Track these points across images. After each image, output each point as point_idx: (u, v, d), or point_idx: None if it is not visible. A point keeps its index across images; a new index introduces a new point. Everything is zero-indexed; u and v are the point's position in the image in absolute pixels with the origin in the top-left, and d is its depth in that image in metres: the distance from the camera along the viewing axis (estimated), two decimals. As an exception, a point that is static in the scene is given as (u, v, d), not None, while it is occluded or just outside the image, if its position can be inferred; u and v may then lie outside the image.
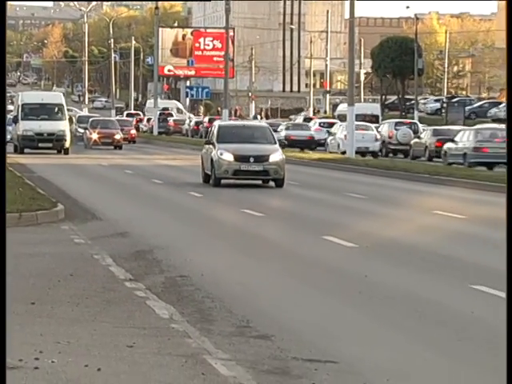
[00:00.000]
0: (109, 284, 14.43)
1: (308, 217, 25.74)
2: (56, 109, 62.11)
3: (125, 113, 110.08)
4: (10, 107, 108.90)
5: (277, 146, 38.81)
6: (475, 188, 36.75)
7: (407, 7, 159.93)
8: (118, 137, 73.96)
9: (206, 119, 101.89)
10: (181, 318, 11.95)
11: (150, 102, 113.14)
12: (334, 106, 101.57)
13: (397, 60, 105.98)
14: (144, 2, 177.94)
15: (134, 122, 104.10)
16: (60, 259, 16.80)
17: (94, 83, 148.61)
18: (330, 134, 69.28)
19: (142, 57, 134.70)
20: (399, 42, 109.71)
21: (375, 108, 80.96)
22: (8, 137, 75.37)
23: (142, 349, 10.16)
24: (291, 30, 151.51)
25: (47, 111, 61.16)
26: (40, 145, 58.23)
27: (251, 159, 36.54)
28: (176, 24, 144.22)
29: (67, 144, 58.26)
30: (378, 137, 70.10)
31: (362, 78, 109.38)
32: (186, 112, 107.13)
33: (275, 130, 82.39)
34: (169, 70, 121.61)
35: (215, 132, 39.36)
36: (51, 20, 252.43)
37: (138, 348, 10.18)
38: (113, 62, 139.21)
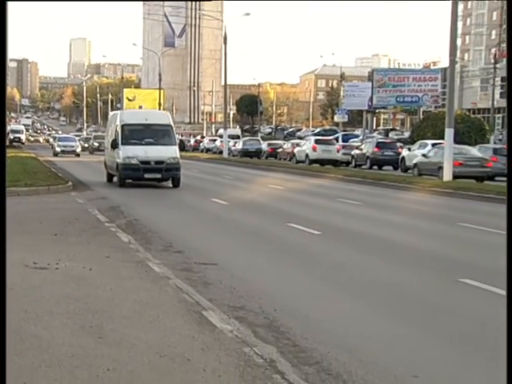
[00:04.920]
0: (96, 224, 14.25)
1: (203, 188, 25.62)
2: (164, 131, 28.70)
3: (99, 133, 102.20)
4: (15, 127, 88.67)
5: None
6: (291, 172, 36.93)
7: (254, 79, 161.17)
8: None
9: None
10: (134, 242, 11.88)
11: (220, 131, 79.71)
12: (217, 131, 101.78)
13: (249, 106, 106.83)
14: (118, 75, 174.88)
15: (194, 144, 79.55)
16: (70, 211, 16.55)
17: (88, 118, 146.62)
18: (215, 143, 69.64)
19: (114, 103, 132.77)
20: (250, 97, 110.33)
21: (238, 131, 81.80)
22: (57, 149, 57.43)
23: (114, 258, 10.11)
24: (194, 90, 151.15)
25: (153, 134, 28.52)
26: (146, 176, 26.80)
27: None
28: (132, 86, 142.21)
29: (180, 174, 26.99)
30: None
31: (231, 115, 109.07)
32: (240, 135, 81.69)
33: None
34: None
35: None
36: (66, 84, 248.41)
37: (112, 258, 10.13)
38: (99, 107, 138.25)
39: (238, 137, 71.47)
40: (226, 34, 54.42)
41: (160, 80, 79.93)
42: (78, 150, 57.56)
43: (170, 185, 24.92)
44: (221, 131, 71.25)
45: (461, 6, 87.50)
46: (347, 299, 8.38)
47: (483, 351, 6.41)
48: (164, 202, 20.64)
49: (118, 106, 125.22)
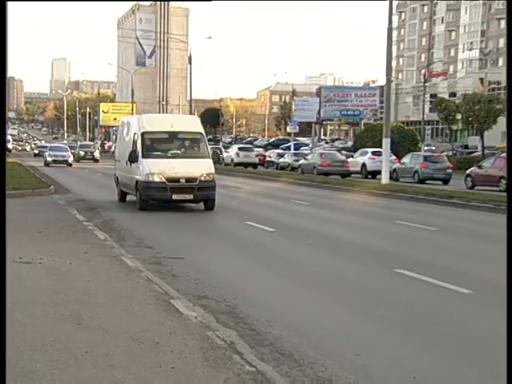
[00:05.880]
0: (75, 223, 14.09)
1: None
2: (194, 140, 18.45)
3: (83, 142, 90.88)
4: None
5: None
6: (249, 177, 36.84)
7: (216, 94, 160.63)
8: None
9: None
10: (110, 239, 11.76)
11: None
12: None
13: (212, 118, 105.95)
14: (95, 91, 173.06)
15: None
16: (52, 211, 16.34)
17: (68, 129, 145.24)
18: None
19: (92, 115, 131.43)
20: (212, 110, 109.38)
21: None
22: (48, 159, 48.54)
23: (91, 254, 10.00)
24: (163, 104, 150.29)
25: (181, 144, 18.14)
26: (175, 197, 17.17)
27: None
28: (108, 101, 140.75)
29: (215, 194, 17.91)
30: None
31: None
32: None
33: None
34: (104, 122, 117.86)
35: None
36: (48, 99, 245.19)
37: (89, 254, 10.01)
38: (78, 119, 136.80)
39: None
40: (190, 55, 54.25)
41: (133, 95, 79.68)
42: (70, 159, 49.21)
43: (202, 207, 18.14)
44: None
45: (395, 33, 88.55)
46: (298, 288, 8.40)
47: (416, 332, 6.47)
48: (134, 203, 20.44)
49: (96, 118, 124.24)
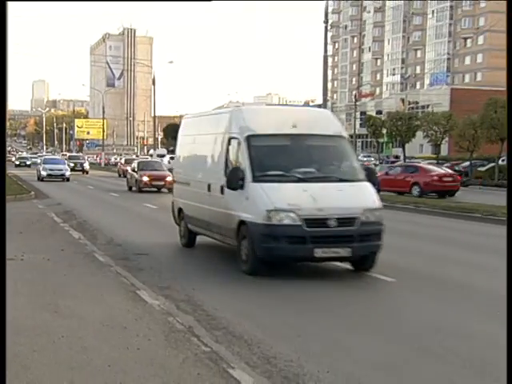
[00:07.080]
0: (52, 224, 13.87)
1: (136, 197, 25.04)
2: (335, 150, 7.51)
3: (73, 154, 74.02)
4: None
5: None
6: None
7: (177, 111, 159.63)
8: (169, 179, 23.92)
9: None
10: (83, 238, 11.62)
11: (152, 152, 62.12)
12: (148, 151, 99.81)
13: (173, 132, 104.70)
14: (70, 109, 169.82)
15: None
16: (32, 214, 16.02)
17: (47, 142, 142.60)
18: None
19: (67, 130, 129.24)
20: (174, 125, 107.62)
21: (164, 151, 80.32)
22: (43, 173, 36.40)
23: (67, 251, 9.90)
24: (130, 120, 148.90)
25: (314, 157, 6.95)
26: (320, 253, 6.90)
27: None
28: (82, 117, 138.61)
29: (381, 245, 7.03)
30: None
31: (159, 139, 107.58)
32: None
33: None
34: (78, 136, 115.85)
35: None
36: (29, 116, 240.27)
37: (65, 250, 9.91)
38: (55, 133, 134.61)
39: (163, 155, 71.01)
40: (154, 77, 53.95)
41: (103, 112, 78.80)
42: (68, 173, 36.95)
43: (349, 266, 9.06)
44: (151, 151, 70.42)
45: (330, 59, 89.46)
46: (248, 280, 8.39)
47: (349, 315, 6.55)
48: (106, 206, 20.18)
49: (71, 132, 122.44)
